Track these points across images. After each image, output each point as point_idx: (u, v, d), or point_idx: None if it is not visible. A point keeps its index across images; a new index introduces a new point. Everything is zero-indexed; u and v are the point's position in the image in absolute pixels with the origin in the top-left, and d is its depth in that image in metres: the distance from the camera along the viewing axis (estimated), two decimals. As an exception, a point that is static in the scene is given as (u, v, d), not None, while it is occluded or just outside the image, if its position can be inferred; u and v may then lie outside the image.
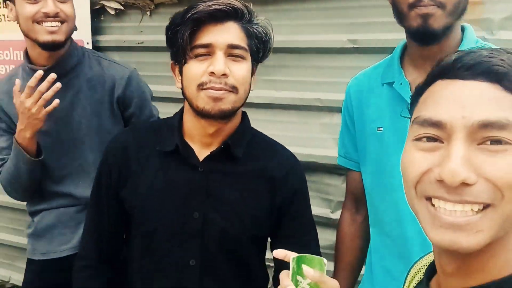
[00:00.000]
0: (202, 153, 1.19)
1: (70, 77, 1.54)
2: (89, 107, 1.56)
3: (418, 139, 0.63)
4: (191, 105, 1.14)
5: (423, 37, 1.15)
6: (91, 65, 1.59)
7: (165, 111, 1.65)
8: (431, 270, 0.73)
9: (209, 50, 1.10)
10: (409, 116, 0.69)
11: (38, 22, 1.42)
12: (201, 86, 1.10)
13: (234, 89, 1.11)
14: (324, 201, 1.93)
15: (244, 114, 1.27)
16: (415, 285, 0.78)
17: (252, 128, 1.29)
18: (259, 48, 1.18)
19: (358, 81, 1.39)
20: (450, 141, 0.59)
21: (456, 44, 1.18)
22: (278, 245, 1.11)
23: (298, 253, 0.92)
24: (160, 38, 2.04)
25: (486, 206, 0.57)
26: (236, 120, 1.21)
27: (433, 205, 0.60)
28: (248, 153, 1.22)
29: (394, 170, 1.14)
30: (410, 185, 0.63)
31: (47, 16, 1.41)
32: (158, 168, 1.20)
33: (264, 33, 1.17)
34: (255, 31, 1.15)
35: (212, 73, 1.08)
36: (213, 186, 1.18)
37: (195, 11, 1.09)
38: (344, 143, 1.44)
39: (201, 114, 1.13)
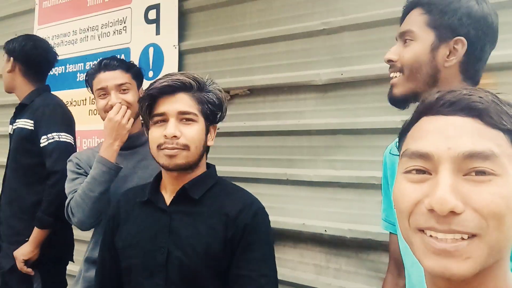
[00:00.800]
0: (170, 199, 1.42)
1: (138, 148, 1.86)
2: (150, 171, 1.77)
3: (408, 172, 0.66)
4: (156, 161, 1.41)
5: (391, 102, 1.24)
6: None
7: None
8: None
9: (164, 118, 1.36)
10: (398, 153, 0.74)
11: (107, 111, 1.79)
12: (159, 147, 1.36)
13: (185, 147, 1.35)
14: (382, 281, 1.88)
15: (210, 166, 1.50)
16: None
17: (221, 178, 1.51)
18: (213, 111, 1.42)
19: (392, 146, 1.44)
20: (438, 172, 0.62)
21: None
22: (231, 277, 1.34)
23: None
24: (234, 125, 2.31)
25: (473, 236, 0.60)
26: (199, 170, 1.44)
27: (426, 234, 0.63)
28: (208, 196, 1.42)
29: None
30: (404, 216, 0.66)
31: (111, 106, 1.78)
32: (137, 214, 1.45)
33: (216, 98, 1.42)
34: (206, 97, 1.40)
35: (165, 136, 1.34)
36: (175, 224, 1.38)
37: (151, 88, 1.37)
38: (385, 208, 1.47)
39: (163, 167, 1.40)
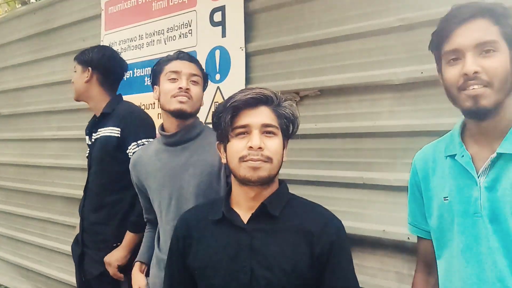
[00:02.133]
0: (246, 216, 1.40)
1: (188, 144, 1.85)
2: (200, 167, 1.80)
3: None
4: (235, 175, 1.39)
5: (476, 115, 1.23)
6: (209, 136, 1.84)
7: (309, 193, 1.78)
8: None
9: (246, 130, 1.36)
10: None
11: (174, 96, 1.79)
12: (242, 159, 1.34)
13: (269, 159, 1.35)
14: None
15: (281, 182, 1.48)
16: None
17: (291, 193, 1.49)
18: (288, 126, 1.43)
19: (424, 154, 1.46)
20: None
21: (511, 119, 1.24)
22: None
23: None
24: (305, 127, 2.26)
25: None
26: (274, 186, 1.44)
27: None
28: (287, 212, 1.40)
29: (456, 239, 1.28)
30: None
31: (180, 90, 1.79)
32: (212, 234, 1.43)
33: (291, 113, 1.43)
34: (283, 112, 1.41)
35: (250, 148, 1.33)
36: (257, 243, 1.36)
37: (234, 100, 1.37)
38: (413, 212, 1.50)
39: (243, 181, 1.37)
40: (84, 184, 2.46)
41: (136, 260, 2.02)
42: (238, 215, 1.41)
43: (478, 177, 1.25)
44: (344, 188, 2.15)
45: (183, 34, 2.89)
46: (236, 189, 1.43)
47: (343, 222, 1.45)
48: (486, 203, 1.23)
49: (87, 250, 2.38)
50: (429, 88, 1.90)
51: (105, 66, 2.42)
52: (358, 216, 2.09)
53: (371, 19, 2.08)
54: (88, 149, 2.48)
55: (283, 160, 1.43)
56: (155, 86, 1.92)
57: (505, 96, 1.21)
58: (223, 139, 1.43)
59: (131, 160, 2.01)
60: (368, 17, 2.10)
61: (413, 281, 1.56)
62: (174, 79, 1.82)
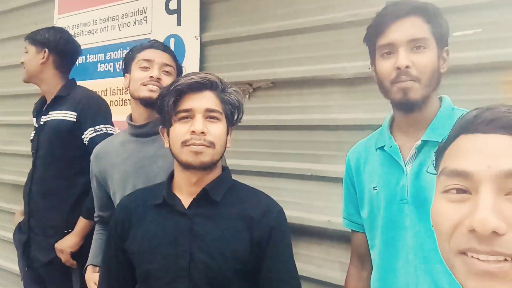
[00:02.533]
0: (188, 201, 1.39)
1: (159, 135, 1.77)
2: (170, 160, 1.72)
3: (447, 191, 0.65)
4: (177, 160, 1.38)
5: (405, 107, 1.31)
6: None
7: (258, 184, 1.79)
8: None
9: (190, 114, 1.35)
10: (434, 172, 0.73)
11: (144, 85, 1.76)
12: (184, 143, 1.34)
13: (211, 145, 1.34)
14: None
15: (224, 168, 1.49)
16: None
17: (234, 180, 1.50)
18: (232, 113, 1.44)
19: (356, 148, 1.55)
20: (478, 191, 0.60)
21: (435, 110, 1.34)
22: (262, 280, 1.36)
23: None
24: (257, 118, 2.27)
25: None
26: (217, 172, 1.43)
27: (467, 255, 0.61)
28: (228, 198, 1.41)
29: (384, 225, 1.35)
30: (444, 238, 0.64)
31: (151, 79, 1.75)
32: (151, 218, 1.41)
33: (236, 100, 1.43)
34: (228, 98, 1.41)
35: (193, 132, 1.32)
36: (197, 227, 1.35)
37: (178, 83, 1.36)
38: (347, 206, 1.57)
39: (185, 166, 1.36)
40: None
41: (87, 264, 1.95)
42: (179, 200, 1.40)
43: (405, 165, 1.33)
44: (293, 179, 2.18)
45: (138, 21, 2.84)
46: (178, 174, 1.42)
47: (291, 212, 1.49)
48: (412, 189, 1.30)
49: (34, 237, 2.30)
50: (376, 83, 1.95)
51: (62, 48, 2.34)
52: (305, 207, 2.12)
53: (324, 13, 2.11)
54: (34, 132, 2.39)
55: (227, 146, 1.43)
56: (126, 74, 1.88)
57: (432, 90, 1.31)
58: (166, 123, 1.41)
59: (93, 151, 1.93)
60: (321, 12, 2.12)
61: (346, 275, 1.61)
62: (146, 67, 1.78)
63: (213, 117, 1.37)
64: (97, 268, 1.92)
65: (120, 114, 2.60)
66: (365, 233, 1.50)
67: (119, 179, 1.79)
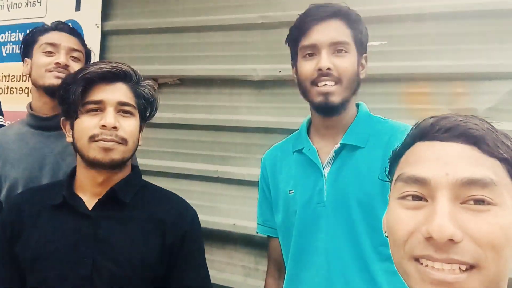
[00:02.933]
0: (91, 202, 1.25)
1: None
2: None
3: (403, 198, 0.64)
4: (82, 156, 1.24)
5: (325, 110, 1.31)
6: None
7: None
8: None
9: (100, 106, 1.22)
10: (387, 179, 0.73)
11: (50, 71, 1.58)
12: (92, 138, 1.20)
13: (123, 141, 1.22)
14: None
15: (134, 167, 1.36)
16: None
17: (145, 180, 1.38)
18: (146, 107, 1.32)
19: (272, 152, 1.53)
20: (435, 198, 0.60)
21: (353, 115, 1.36)
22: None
23: None
24: (162, 116, 2.16)
25: (472, 267, 0.58)
26: (126, 171, 1.31)
27: (422, 264, 0.60)
28: (138, 199, 1.29)
29: (299, 228, 1.33)
30: (399, 244, 0.63)
31: (58, 66, 1.58)
32: (48, 220, 1.26)
33: (150, 94, 1.32)
34: (142, 92, 1.29)
35: (103, 126, 1.19)
36: (102, 232, 1.22)
37: (87, 71, 1.22)
38: (262, 211, 1.53)
39: (92, 164, 1.22)
40: None
41: None
42: (82, 201, 1.26)
43: (323, 168, 1.33)
44: (198, 181, 2.12)
45: (30, 2, 2.58)
46: (82, 171, 1.28)
47: (196, 215, 1.40)
48: (330, 193, 1.30)
49: None
50: (286, 87, 1.95)
51: None
52: (210, 209, 2.07)
53: (235, 12, 2.07)
54: None
55: (139, 144, 1.32)
56: (26, 59, 1.67)
57: (351, 95, 1.32)
58: (70, 114, 1.26)
59: None
60: (232, 11, 2.08)
61: (264, 285, 1.56)
62: (51, 52, 1.60)
63: (126, 112, 1.25)
64: None
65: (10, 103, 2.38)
66: None
67: (18, 176, 1.57)
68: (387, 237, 0.68)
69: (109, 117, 1.20)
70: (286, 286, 1.41)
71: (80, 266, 1.20)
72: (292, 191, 1.39)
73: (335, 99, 1.27)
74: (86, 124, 1.22)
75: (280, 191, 1.43)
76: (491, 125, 0.66)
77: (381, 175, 0.81)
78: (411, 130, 0.71)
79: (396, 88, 1.78)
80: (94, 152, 1.21)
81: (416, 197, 0.63)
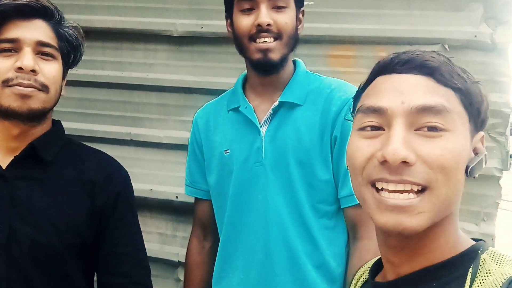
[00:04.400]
0: (6, 160, 1.11)
1: None
2: None
3: (362, 129, 0.68)
4: None
5: (264, 67, 1.27)
6: None
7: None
8: (376, 268, 0.78)
9: (15, 46, 1.06)
10: (351, 119, 0.75)
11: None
12: (6, 83, 1.04)
13: (44, 88, 1.07)
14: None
15: (56, 122, 1.23)
16: (360, 285, 0.82)
17: (69, 137, 1.25)
18: (69, 52, 1.16)
19: (205, 111, 1.48)
20: (391, 126, 0.64)
21: (291, 73, 1.34)
22: (103, 256, 1.15)
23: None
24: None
25: (424, 189, 0.62)
26: (47, 125, 1.16)
27: (378, 191, 0.64)
28: (62, 157, 1.16)
29: (236, 188, 1.31)
30: (357, 172, 0.67)
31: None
32: None
33: (74, 37, 1.17)
34: (66, 33, 1.15)
35: (19, 69, 1.03)
36: (20, 194, 1.08)
37: (0, 4, 1.05)
38: (191, 172, 1.48)
39: (6, 113, 1.06)
40: None
41: None
42: None
43: (261, 126, 1.29)
44: (109, 144, 1.93)
45: None
46: None
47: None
48: (268, 151, 1.28)
49: None
50: (208, 45, 1.85)
51: None
52: (123, 175, 1.91)
53: (151, -42, 1.89)
54: None
55: (62, 94, 1.17)
56: None
57: (290, 51, 1.29)
58: None
59: None
60: (148, -44, 1.89)
61: (188, 247, 1.52)
62: None
63: (46, 54, 1.09)
64: None
65: None
66: (210, 200, 1.43)
67: None
68: (348, 169, 0.72)
69: (27, 58, 1.04)
70: (222, 249, 1.37)
71: None
72: (228, 151, 1.33)
73: (275, 56, 1.24)
74: None
75: (215, 151, 1.37)
76: (448, 59, 0.70)
77: (347, 116, 0.86)
78: (373, 67, 0.74)
79: (321, 51, 1.77)
80: (8, 99, 1.04)
81: (374, 128, 0.67)
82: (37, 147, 1.11)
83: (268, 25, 1.21)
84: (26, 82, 1.04)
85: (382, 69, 0.70)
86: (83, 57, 1.94)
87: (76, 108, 1.98)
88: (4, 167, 1.10)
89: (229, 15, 1.32)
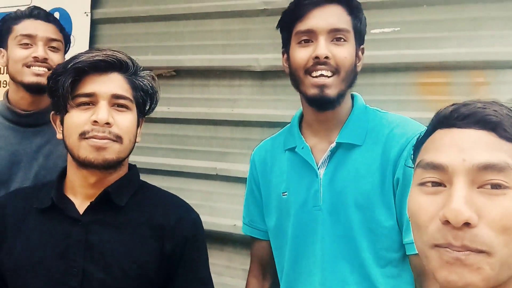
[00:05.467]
0: (83, 206, 1.14)
1: (44, 127, 1.53)
2: (53, 160, 1.52)
3: (423, 184, 0.67)
4: (73, 155, 1.12)
5: (320, 104, 1.21)
6: None
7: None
8: None
9: (92, 100, 1.10)
10: (412, 165, 0.74)
11: (28, 66, 1.48)
12: (83, 135, 1.08)
13: (118, 139, 1.10)
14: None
15: (132, 166, 1.25)
16: None
17: (143, 180, 1.26)
18: (145, 101, 1.19)
19: (261, 149, 1.42)
20: (452, 183, 0.63)
21: (349, 109, 1.26)
22: None
23: None
24: (156, 110, 2.02)
25: (486, 251, 0.60)
26: (122, 171, 1.19)
27: (441, 248, 0.63)
28: (134, 202, 1.17)
29: (294, 233, 1.24)
30: (421, 230, 0.66)
31: (36, 60, 1.48)
32: (35, 225, 1.15)
33: (149, 86, 1.19)
34: (141, 83, 1.17)
35: (95, 122, 1.08)
36: (93, 238, 1.11)
37: (78, 61, 1.10)
38: (249, 211, 1.43)
39: (83, 164, 1.10)
40: None
41: None
42: (73, 204, 1.15)
43: (318, 168, 1.23)
44: (196, 179, 1.99)
45: (15, -12, 2.42)
46: (73, 172, 1.16)
47: (193, 216, 1.27)
48: (326, 195, 1.21)
49: None
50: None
51: None
52: (209, 209, 1.94)
53: (235, -2, 1.94)
54: None
55: (136, 141, 1.20)
56: (1, 49, 1.56)
57: (348, 88, 1.22)
58: (60, 109, 1.14)
59: None
60: (232, -4, 1.95)
61: (246, 286, 1.47)
62: (27, 44, 1.49)
63: (121, 105, 1.13)
64: None
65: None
66: (268, 240, 1.38)
67: None
68: (410, 222, 0.71)
69: (102, 111, 1.08)
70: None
71: (69, 276, 1.09)
72: (285, 193, 1.29)
73: (331, 92, 1.17)
74: (76, 119, 1.10)
75: (272, 192, 1.33)
76: (511, 110, 0.67)
77: (407, 162, 0.83)
78: (433, 117, 0.72)
79: (410, 78, 1.66)
80: (85, 151, 1.09)
81: (435, 183, 0.65)
82: (111, 193, 1.14)
83: (326, 57, 1.16)
84: (100, 134, 1.08)
85: (442, 122, 0.69)
86: (173, 96, 2.06)
87: (166, 144, 2.06)
88: (81, 212, 1.14)
89: (286, 49, 1.28)
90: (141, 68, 1.20)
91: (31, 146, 1.52)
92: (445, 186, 0.64)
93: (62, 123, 1.15)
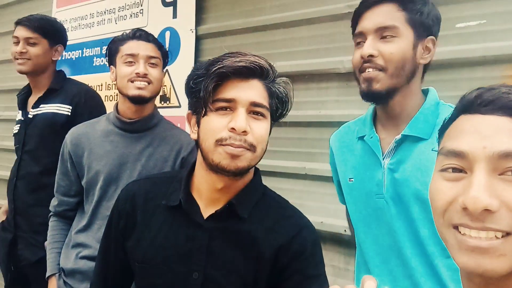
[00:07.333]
0: (207, 210, 1.16)
1: (146, 133, 1.75)
2: (153, 161, 1.71)
3: (444, 170, 0.66)
4: (205, 158, 1.11)
5: (369, 98, 1.24)
6: (166, 128, 1.80)
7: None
8: None
9: (231, 105, 1.08)
10: (437, 149, 0.73)
11: (132, 81, 1.69)
12: (219, 142, 1.06)
13: (252, 147, 1.08)
14: None
15: (256, 172, 1.22)
16: None
17: (264, 186, 1.24)
18: (278, 108, 1.16)
19: (338, 135, 1.47)
20: (473, 171, 0.62)
21: (419, 104, 1.25)
22: None
23: None
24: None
25: (508, 234, 0.60)
26: (248, 176, 1.17)
27: (460, 232, 0.63)
28: (255, 213, 1.16)
29: (360, 219, 1.31)
30: (439, 213, 0.66)
31: (138, 76, 1.68)
32: (162, 222, 1.18)
33: (284, 93, 1.16)
34: (277, 91, 1.14)
35: (233, 129, 1.05)
36: (215, 244, 1.13)
37: (222, 65, 1.07)
38: (340, 191, 1.49)
39: (215, 168, 1.09)
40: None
41: (47, 275, 1.83)
42: (198, 207, 1.17)
43: (383, 158, 1.26)
44: (286, 178, 2.09)
45: (134, 13, 2.78)
46: (201, 174, 1.16)
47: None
48: (389, 185, 1.23)
49: (21, 234, 2.20)
50: (374, 78, 1.85)
51: (65, 39, 2.32)
52: (298, 207, 2.00)
53: (320, 5, 2.02)
54: (19, 125, 2.29)
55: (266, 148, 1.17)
56: (111, 66, 1.81)
57: (403, 81, 1.21)
58: (199, 110, 1.13)
59: (71, 131, 1.84)
60: (317, 3, 2.04)
61: None
62: (131, 62, 1.71)
63: (257, 113, 1.10)
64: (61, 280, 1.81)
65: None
66: None
67: (99, 170, 1.72)
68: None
69: (240, 119, 1.06)
70: (357, 270, 1.41)
71: (190, 279, 1.13)
72: (352, 179, 1.34)
73: (379, 86, 1.20)
74: (214, 124, 1.08)
75: (342, 175, 1.41)
76: None
77: (435, 147, 0.79)
78: (457, 103, 0.71)
79: (499, 71, 1.59)
80: (219, 157, 1.07)
81: (456, 170, 0.65)
82: (235, 205, 1.14)
83: (371, 55, 1.19)
84: (237, 143, 1.06)
85: (465, 107, 0.67)
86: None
87: (260, 146, 2.19)
88: (205, 217, 1.15)
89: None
90: (277, 74, 1.16)
91: (135, 149, 1.73)
92: (466, 173, 0.64)
93: (198, 124, 1.14)
